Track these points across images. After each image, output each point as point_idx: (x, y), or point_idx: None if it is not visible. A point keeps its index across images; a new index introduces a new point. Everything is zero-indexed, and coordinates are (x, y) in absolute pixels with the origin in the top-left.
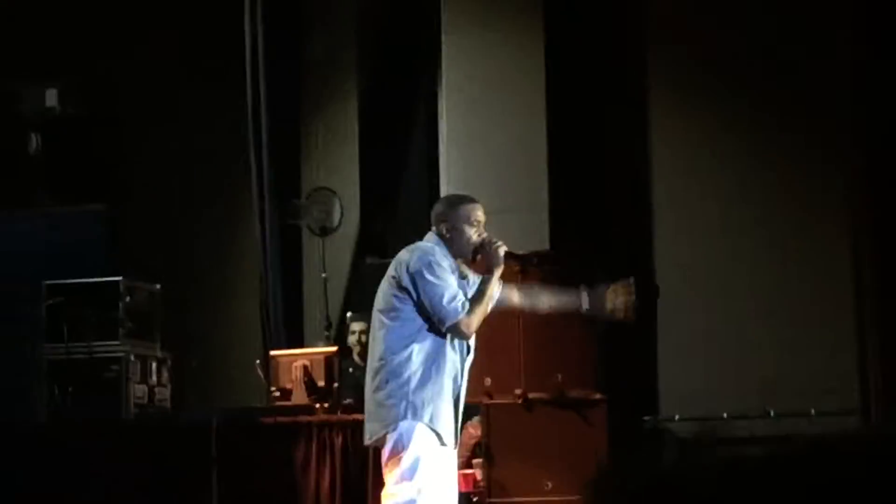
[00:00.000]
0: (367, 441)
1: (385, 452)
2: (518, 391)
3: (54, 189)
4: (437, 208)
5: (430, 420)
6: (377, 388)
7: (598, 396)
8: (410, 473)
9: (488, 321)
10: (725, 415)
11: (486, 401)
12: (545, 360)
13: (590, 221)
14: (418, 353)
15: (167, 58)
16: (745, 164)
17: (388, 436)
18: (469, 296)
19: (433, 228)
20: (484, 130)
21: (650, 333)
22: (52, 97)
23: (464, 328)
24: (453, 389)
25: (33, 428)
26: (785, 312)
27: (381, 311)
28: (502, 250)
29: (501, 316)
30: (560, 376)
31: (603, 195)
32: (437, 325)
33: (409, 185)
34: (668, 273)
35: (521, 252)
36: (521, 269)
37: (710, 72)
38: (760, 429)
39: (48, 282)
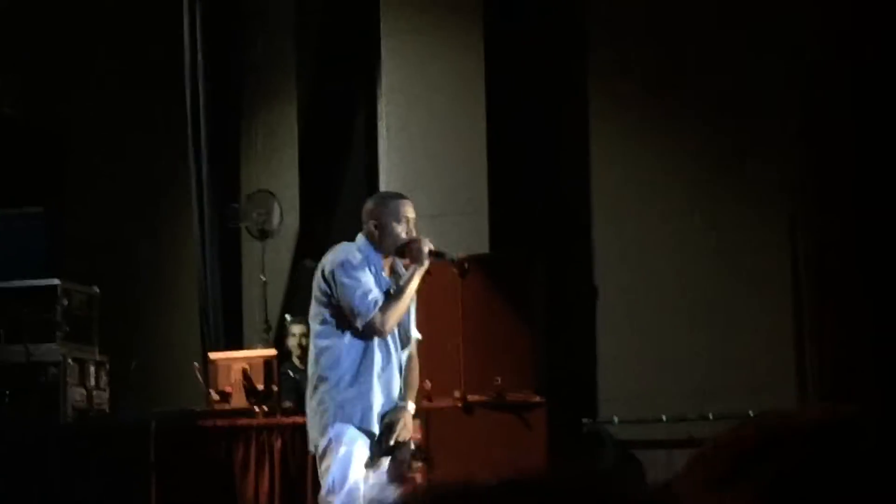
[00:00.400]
0: (311, 450)
1: (318, 455)
2: (457, 394)
3: None
4: (367, 205)
5: (361, 420)
6: (311, 395)
7: (537, 399)
8: (342, 480)
9: (427, 324)
10: (664, 417)
11: (425, 404)
12: (484, 362)
13: (529, 224)
14: (346, 355)
15: (106, 58)
16: (684, 165)
17: (320, 440)
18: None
19: (363, 227)
20: (423, 133)
21: (589, 335)
22: None
23: (378, 325)
24: (386, 384)
25: None
26: (722, 314)
27: (312, 318)
28: (426, 247)
29: (440, 319)
30: (499, 379)
31: (542, 198)
32: (353, 323)
33: (348, 188)
34: (606, 275)
35: (461, 255)
36: (461, 273)
37: (650, 76)
38: (699, 431)
39: None
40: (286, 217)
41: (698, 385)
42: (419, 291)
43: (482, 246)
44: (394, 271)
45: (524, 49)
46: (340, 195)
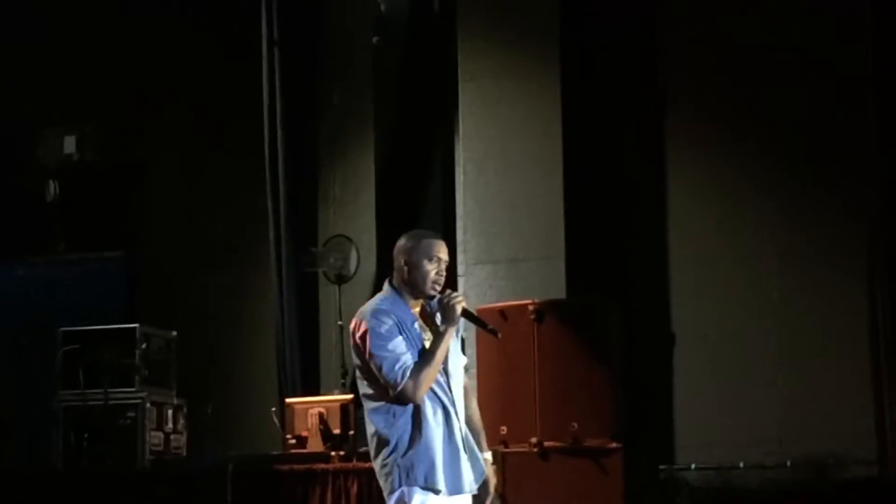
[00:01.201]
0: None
1: None
2: (534, 440)
3: (72, 236)
4: (399, 242)
5: (426, 480)
6: (373, 457)
7: (613, 445)
8: None
9: (503, 369)
10: (742, 464)
11: (501, 449)
12: (560, 408)
13: (606, 269)
14: (399, 415)
15: (186, 105)
16: (765, 215)
17: (389, 498)
18: (421, 342)
19: (394, 263)
20: (500, 178)
21: (666, 381)
22: (70, 144)
23: (410, 394)
24: (448, 434)
25: (50, 475)
26: (802, 363)
27: (358, 379)
28: (459, 307)
29: (516, 364)
30: (576, 425)
31: (620, 244)
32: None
33: None
34: (683, 320)
35: (537, 300)
36: (537, 318)
37: (728, 123)
38: (777, 479)
39: (65, 328)
40: (363, 262)
41: (776, 432)
42: (495, 338)
43: (559, 291)
44: (424, 315)
45: (601, 93)
46: None
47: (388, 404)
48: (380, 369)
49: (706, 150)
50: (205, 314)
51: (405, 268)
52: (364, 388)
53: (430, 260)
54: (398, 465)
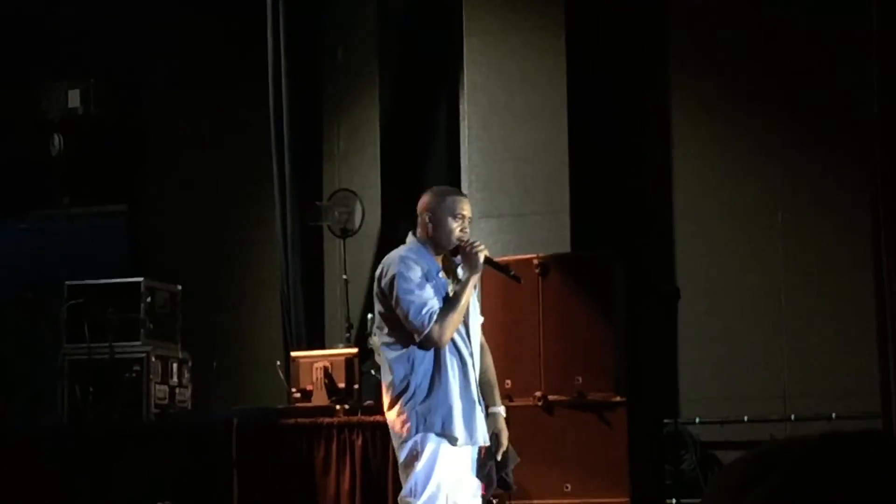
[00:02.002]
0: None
1: (400, 458)
2: (538, 393)
3: (76, 190)
4: (423, 197)
5: (443, 428)
6: (388, 406)
7: (618, 399)
8: (424, 479)
9: (508, 324)
10: (746, 418)
11: (506, 403)
12: (565, 362)
13: (611, 224)
14: (419, 363)
15: (189, 59)
16: (769, 171)
17: (402, 447)
18: (446, 293)
19: (418, 219)
20: (505, 133)
21: (671, 336)
22: (74, 98)
23: (435, 338)
24: (465, 385)
25: (55, 429)
26: (806, 316)
27: (378, 329)
28: (482, 255)
29: (521, 319)
30: (580, 378)
31: (624, 197)
32: (412, 336)
33: (430, 187)
34: (688, 275)
35: (542, 254)
36: (541, 272)
37: (733, 77)
38: (781, 432)
39: (69, 282)
40: (368, 216)
41: (780, 386)
42: (499, 292)
43: (563, 245)
44: (448, 268)
45: (606, 48)
46: (422, 194)
47: (409, 352)
48: (406, 313)
49: (711, 105)
50: (209, 268)
51: (430, 224)
52: (384, 336)
53: (455, 217)
54: (416, 412)
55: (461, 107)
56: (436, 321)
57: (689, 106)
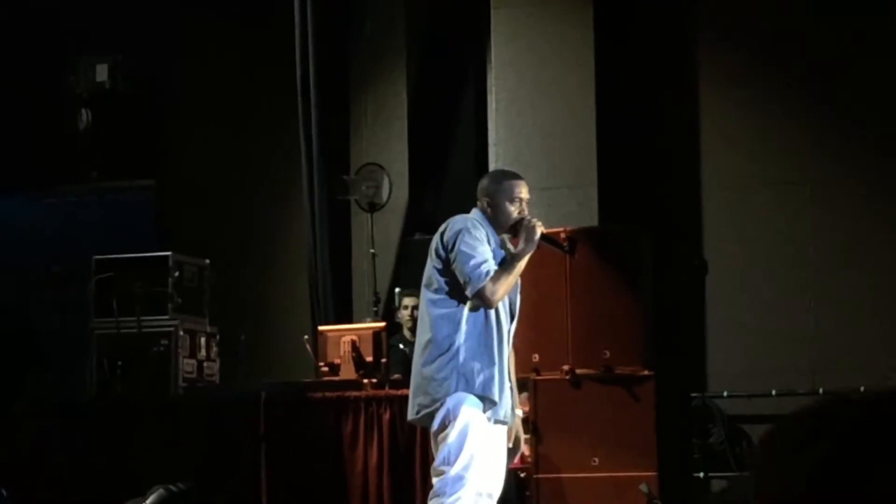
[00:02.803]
0: (413, 416)
1: (434, 425)
2: (566, 367)
3: (104, 164)
4: (482, 182)
5: (483, 389)
6: (426, 363)
7: (645, 373)
8: (458, 448)
9: (535, 297)
10: (774, 392)
11: (533, 377)
12: (593, 336)
13: (638, 198)
14: (465, 323)
15: (217, 34)
16: (797, 145)
17: (438, 409)
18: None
19: (478, 203)
20: (533, 107)
21: (698, 310)
22: (102, 72)
23: (488, 295)
24: (502, 355)
25: (83, 403)
26: (834, 290)
27: (426, 286)
28: (539, 230)
29: (548, 292)
30: (608, 352)
31: (652, 171)
32: (464, 289)
33: (457, 162)
34: (715, 248)
35: (569, 228)
36: (569, 247)
37: (761, 50)
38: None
39: (98, 257)
40: (395, 190)
41: (808, 360)
42: (527, 265)
43: (591, 219)
44: (504, 249)
45: (634, 21)
46: (449, 168)
47: (457, 311)
48: (465, 266)
49: (739, 79)
50: (237, 243)
51: (488, 208)
52: (431, 293)
53: (512, 201)
54: (457, 371)
55: (488, 81)
56: (490, 279)
57: (717, 78)
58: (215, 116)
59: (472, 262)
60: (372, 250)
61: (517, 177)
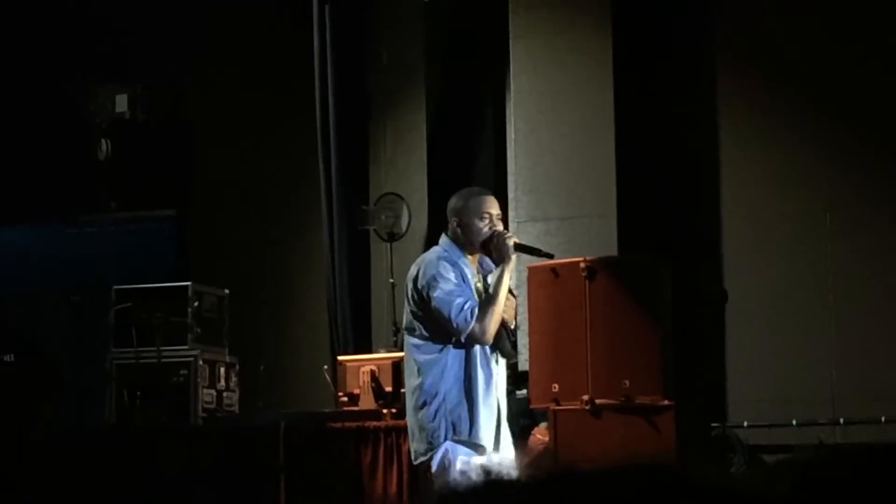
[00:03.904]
0: (415, 461)
1: (433, 468)
2: (585, 397)
3: (124, 194)
4: (450, 203)
5: (473, 434)
6: (416, 409)
7: (665, 402)
8: None
9: (554, 327)
10: (794, 421)
11: (553, 407)
12: (612, 366)
13: (658, 227)
14: (449, 368)
15: (236, 63)
16: (818, 173)
17: (434, 455)
18: (480, 296)
19: (448, 225)
20: (552, 136)
21: (718, 339)
22: (122, 102)
23: (479, 334)
24: (489, 395)
25: (103, 433)
26: (855, 318)
27: (408, 331)
28: (511, 241)
29: (567, 322)
30: (627, 382)
31: (672, 200)
32: (453, 336)
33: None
34: (736, 277)
35: (588, 257)
36: (588, 276)
37: (782, 80)
38: (830, 436)
39: (117, 287)
40: (415, 220)
41: (829, 389)
42: (546, 293)
43: (611, 249)
44: (481, 269)
45: (653, 51)
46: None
47: (441, 356)
48: (448, 314)
49: (759, 108)
50: (256, 272)
51: (458, 229)
52: (414, 338)
53: (482, 218)
54: (446, 419)
55: (507, 110)
56: (476, 320)
57: (736, 107)
58: (234, 147)
59: (454, 309)
60: (391, 280)
61: (485, 193)
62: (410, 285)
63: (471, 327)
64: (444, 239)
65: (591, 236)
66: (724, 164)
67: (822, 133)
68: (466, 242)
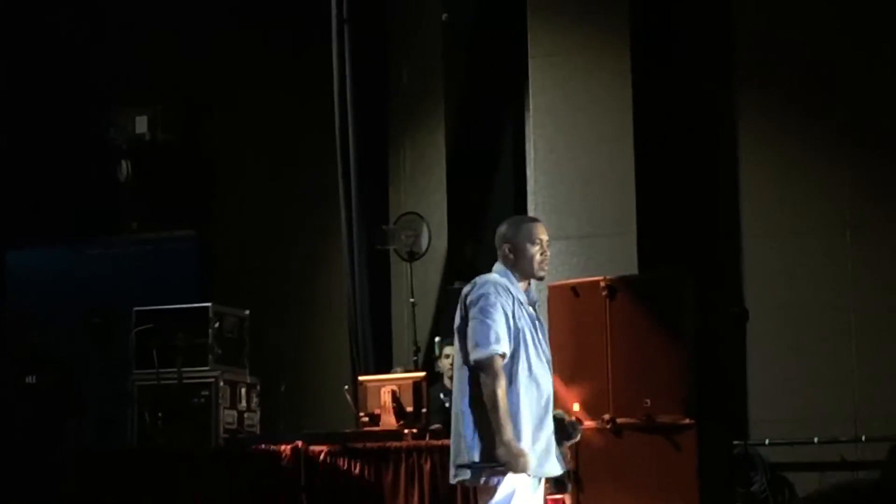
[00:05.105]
0: (454, 480)
1: (480, 481)
2: (607, 416)
3: (144, 215)
4: (501, 229)
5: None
6: (465, 424)
7: (687, 421)
8: None
9: (575, 346)
10: (816, 439)
11: None
12: (633, 384)
13: (679, 245)
14: (513, 381)
15: (256, 84)
16: (838, 189)
17: (480, 471)
18: (534, 323)
19: (498, 252)
20: (571, 155)
21: (739, 357)
22: (142, 124)
23: (485, 371)
24: (543, 414)
25: (125, 454)
26: (876, 336)
27: (458, 349)
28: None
29: (589, 341)
30: (649, 401)
31: (692, 218)
32: (470, 351)
33: (496, 210)
34: (757, 295)
35: (609, 276)
36: (609, 294)
37: (801, 97)
38: (851, 454)
39: (138, 308)
40: (434, 239)
41: (851, 407)
42: (567, 312)
43: (631, 267)
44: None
45: (671, 67)
46: (488, 217)
47: (508, 368)
48: (476, 332)
49: (778, 125)
50: (277, 293)
51: (511, 255)
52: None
53: (534, 243)
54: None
55: (527, 129)
56: (495, 374)
57: (756, 125)
58: (255, 167)
59: (483, 332)
60: (412, 299)
61: (533, 219)
62: (462, 302)
63: (487, 360)
64: (498, 266)
65: (612, 254)
66: (743, 182)
67: (843, 151)
68: (520, 270)
